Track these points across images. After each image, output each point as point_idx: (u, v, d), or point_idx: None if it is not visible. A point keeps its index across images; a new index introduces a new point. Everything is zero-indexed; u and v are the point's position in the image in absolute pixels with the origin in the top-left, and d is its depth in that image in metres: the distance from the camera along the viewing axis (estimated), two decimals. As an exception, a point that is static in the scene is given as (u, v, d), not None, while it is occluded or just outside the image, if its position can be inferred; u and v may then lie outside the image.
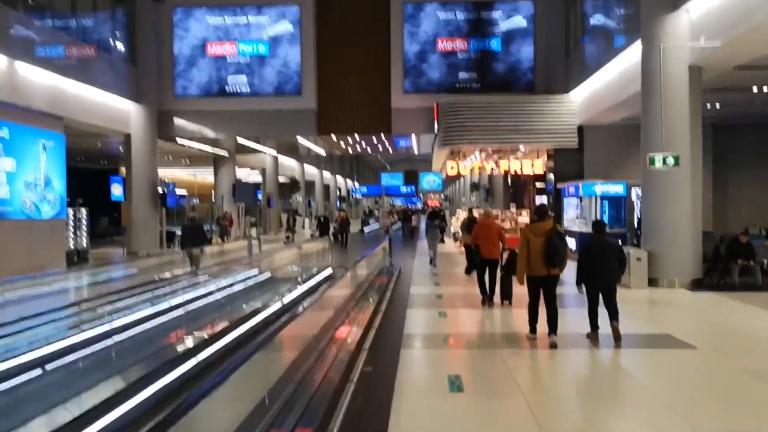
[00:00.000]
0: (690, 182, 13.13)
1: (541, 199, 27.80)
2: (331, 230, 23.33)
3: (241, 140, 30.97)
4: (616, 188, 19.25)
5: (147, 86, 23.69)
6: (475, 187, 48.39)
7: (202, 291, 11.85)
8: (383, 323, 9.00)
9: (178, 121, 24.51)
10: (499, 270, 10.91)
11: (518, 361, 7.41)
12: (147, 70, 23.75)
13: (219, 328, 8.64)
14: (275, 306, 9.92)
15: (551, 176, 23.20)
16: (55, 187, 18.17)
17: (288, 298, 11.06)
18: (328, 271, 14.96)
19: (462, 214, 27.08)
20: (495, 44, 24.25)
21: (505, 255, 10.73)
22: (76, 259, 19.45)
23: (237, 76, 24.46)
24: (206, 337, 7.81)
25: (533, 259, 7.86)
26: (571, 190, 20.83)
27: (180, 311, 10.12)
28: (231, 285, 12.94)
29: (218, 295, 11.82)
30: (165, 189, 23.89)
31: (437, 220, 22.68)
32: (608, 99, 18.42)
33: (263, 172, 39.75)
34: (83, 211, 20.25)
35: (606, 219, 19.54)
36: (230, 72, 24.48)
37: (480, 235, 10.95)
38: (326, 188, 62.92)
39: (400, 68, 24.51)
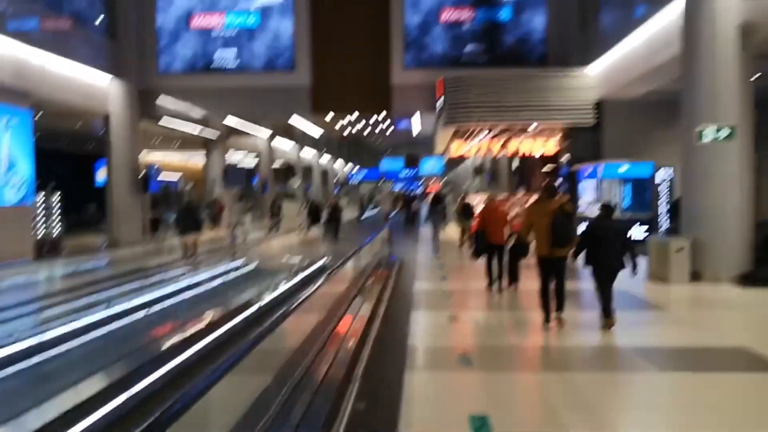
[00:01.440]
0: (740, 160, 11.35)
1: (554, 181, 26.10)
2: (323, 218, 21.42)
3: (232, 121, 29.08)
4: (641, 169, 17.50)
5: (127, 62, 21.82)
6: (478, 171, 46.58)
7: (167, 289, 10.19)
8: (382, 332, 7.26)
9: (162, 100, 22.67)
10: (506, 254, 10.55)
11: (558, 387, 5.68)
12: (127, 44, 21.87)
13: (161, 346, 6.92)
14: (248, 311, 8.23)
15: (565, 157, 21.39)
16: (21, 169, 16.39)
17: (268, 298, 9.38)
18: (320, 264, 13.28)
19: (471, 200, 25.35)
20: (504, 14, 22.35)
21: (512, 239, 10.35)
22: (47, 249, 17.71)
23: (224, 50, 22.59)
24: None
25: (539, 239, 7.67)
26: (589, 171, 19.05)
27: (121, 322, 8.40)
28: (201, 282, 11.24)
29: (185, 295, 10.12)
30: (148, 173, 22.13)
31: (440, 206, 21.14)
32: (631, 70, 16.63)
33: (258, 155, 37.96)
34: (55, 196, 18.47)
35: (628, 203, 17.87)
36: (217, 46, 22.61)
37: (486, 219, 10.79)
38: (324, 173, 61.09)
39: (401, 41, 22.64)
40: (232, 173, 31.15)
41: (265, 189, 36.56)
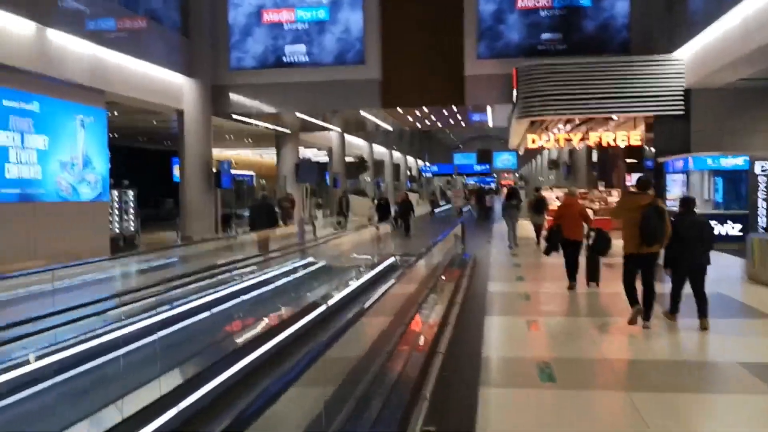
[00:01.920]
0: None
1: (635, 176, 24.72)
2: (393, 214, 20.84)
3: (304, 116, 29.02)
4: (734, 162, 16.20)
5: (200, 59, 21.97)
6: (554, 164, 45.10)
7: (229, 289, 9.92)
8: (453, 340, 6.68)
9: (234, 97, 22.73)
10: (584, 251, 10.17)
11: (654, 410, 4.96)
12: (200, 42, 22.01)
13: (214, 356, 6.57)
14: (315, 312, 7.81)
15: (650, 149, 20.12)
16: (96, 167, 16.66)
17: (333, 300, 8.94)
18: (389, 262, 12.77)
19: (546, 194, 24.36)
20: (584, -1, 21.22)
21: (591, 235, 9.86)
22: (123, 244, 18.00)
23: (295, 44, 22.41)
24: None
25: (629, 235, 7.35)
26: (678, 164, 17.81)
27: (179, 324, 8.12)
28: (267, 281, 10.94)
29: (249, 295, 9.82)
30: (220, 169, 22.24)
31: (515, 200, 20.23)
32: (725, 54, 15.31)
33: (329, 151, 37.91)
34: (130, 193, 18.74)
35: (720, 198, 16.61)
36: (287, 41, 22.45)
37: (563, 215, 10.54)
38: (396, 168, 60.70)
39: (474, 31, 21.84)
40: (303, 168, 31.10)
41: (336, 184, 36.46)
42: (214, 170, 22.21)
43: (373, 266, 12.74)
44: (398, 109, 27.41)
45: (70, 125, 15.67)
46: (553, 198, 21.84)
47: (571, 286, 10.28)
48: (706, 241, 7.48)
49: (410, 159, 68.75)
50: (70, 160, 15.60)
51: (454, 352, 6.15)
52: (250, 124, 26.10)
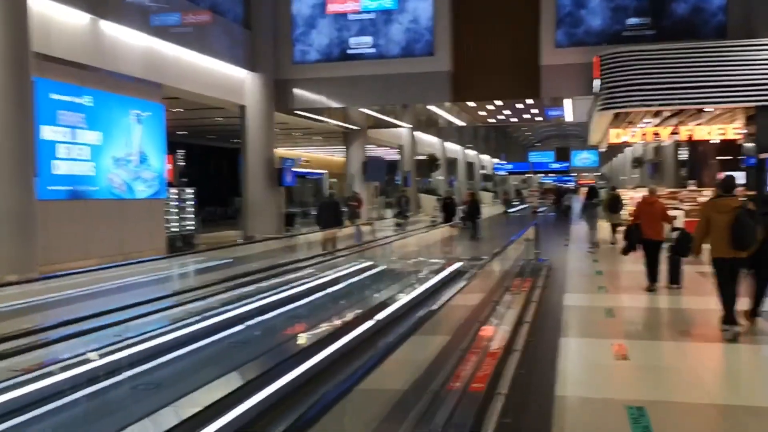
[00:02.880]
0: None
1: (740, 175, 22.47)
2: (460, 214, 19.40)
3: (371, 112, 28.06)
4: None
5: (263, 52, 21.28)
6: (638, 162, 42.48)
7: (275, 297, 8.98)
8: (519, 374, 5.42)
9: (297, 91, 21.95)
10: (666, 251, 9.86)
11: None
12: (263, 35, 21.32)
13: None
14: (360, 329, 6.74)
15: (749, 144, 18.00)
16: (153, 163, 16.15)
17: (388, 311, 7.84)
18: (453, 268, 11.58)
19: (629, 194, 22.51)
20: (675, -21, 19.26)
21: (674, 235, 9.68)
22: (181, 244, 17.48)
23: (360, 36, 21.42)
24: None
25: (717, 239, 6.92)
26: (785, 161, 15.75)
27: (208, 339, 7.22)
28: (321, 287, 9.94)
29: (292, 305, 8.84)
30: (283, 166, 21.55)
31: (595, 199, 18.83)
32: None
33: (400, 149, 36.86)
34: (189, 191, 18.23)
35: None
36: (353, 32, 21.47)
37: (642, 213, 10.21)
38: (470, 166, 59.07)
39: (552, 16, 20.21)
40: (372, 166, 30.20)
41: (407, 182, 35.38)
42: (277, 167, 21.51)
43: (437, 272, 11.58)
44: (470, 103, 25.97)
45: (124, 120, 15.18)
46: (638, 198, 20.09)
47: (650, 288, 9.87)
48: None
49: (485, 157, 66.92)
50: (124, 157, 15.11)
51: (520, 390, 4.89)
52: (315, 120, 25.31)
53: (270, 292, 8.72)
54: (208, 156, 32.54)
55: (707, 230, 7.03)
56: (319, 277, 10.20)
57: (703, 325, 7.63)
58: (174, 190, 17.60)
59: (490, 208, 43.02)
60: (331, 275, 10.57)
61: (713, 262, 7.08)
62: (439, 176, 48.56)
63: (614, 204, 17.81)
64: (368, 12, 21.32)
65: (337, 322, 7.67)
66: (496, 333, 6.57)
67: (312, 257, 11.42)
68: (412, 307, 8.77)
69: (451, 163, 53.25)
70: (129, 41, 15.31)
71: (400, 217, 22.89)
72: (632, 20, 19.56)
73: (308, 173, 44.55)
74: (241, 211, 21.54)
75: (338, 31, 21.56)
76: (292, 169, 32.98)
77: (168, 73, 16.84)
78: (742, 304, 7.22)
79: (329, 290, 9.93)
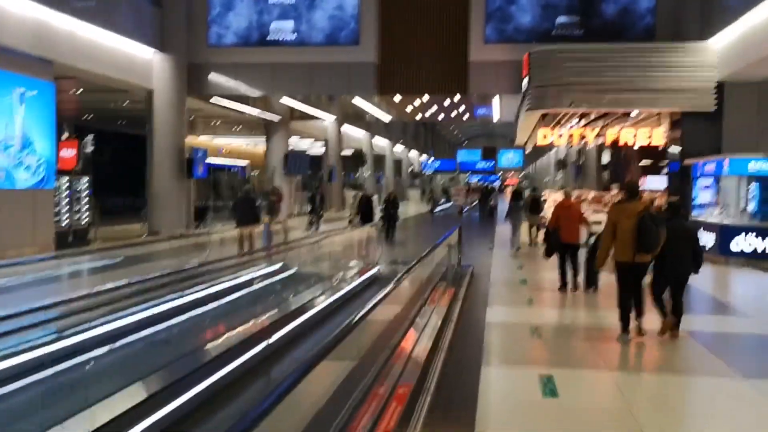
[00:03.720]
0: None
1: (659, 180, 22.45)
2: (379, 214, 18.21)
3: (292, 103, 26.71)
4: (780, 166, 13.94)
5: (174, 32, 19.65)
6: (561, 164, 42.78)
7: (170, 304, 7.72)
8: (432, 417, 4.42)
9: (213, 77, 20.43)
10: (584, 254, 10.11)
11: None
12: (174, 13, 19.69)
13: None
14: (249, 353, 5.61)
15: (674, 149, 17.80)
16: (38, 149, 14.38)
17: (284, 331, 6.72)
18: (368, 276, 10.57)
19: (553, 196, 22.17)
20: (605, -21, 18.86)
21: (591, 239, 10.05)
22: (72, 239, 15.76)
23: (281, 21, 20.10)
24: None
25: (621, 243, 7.03)
26: (709, 167, 15.51)
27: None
28: (218, 295, 8.69)
29: (189, 315, 7.56)
30: (193, 157, 20.00)
31: (521, 202, 18.59)
32: (765, 44, 13.08)
33: (326, 142, 35.61)
34: (84, 180, 16.48)
35: (754, 206, 14.36)
36: (273, 16, 20.13)
37: (560, 217, 10.38)
38: (397, 162, 58.36)
39: (482, 11, 19.50)
40: (293, 159, 28.88)
41: (331, 178, 34.21)
42: (187, 158, 19.96)
43: (348, 281, 10.50)
44: (396, 97, 25.06)
45: (5, 99, 13.39)
46: (554, 199, 19.82)
47: (561, 288, 10.19)
48: (690, 249, 7.22)
49: (413, 154, 66.40)
50: (3, 141, 13.33)
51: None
52: (233, 109, 23.79)
53: (140, 308, 7.37)
54: (117, 143, 30.34)
55: (613, 235, 7.06)
56: (213, 285, 8.94)
57: (647, 356, 6.91)
58: (65, 179, 15.80)
59: (417, 206, 42.39)
60: (226, 283, 9.33)
61: (616, 266, 7.16)
62: (366, 172, 47.63)
63: (534, 205, 18.03)
64: (290, -5, 20.01)
65: (217, 344, 6.43)
66: (407, 364, 5.57)
67: (208, 264, 10.10)
68: (315, 324, 7.70)
69: (379, 159, 52.40)
70: (14, 10, 13.52)
71: (313, 216, 21.31)
72: (562, 18, 19.08)
73: (230, 165, 42.71)
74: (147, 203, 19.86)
75: (258, 14, 20.17)
76: (210, 160, 31.36)
77: (61, 49, 15.09)
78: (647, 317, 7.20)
79: (218, 303, 8.67)
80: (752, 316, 8.57)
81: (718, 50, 16.01)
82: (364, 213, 17.04)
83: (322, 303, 8.52)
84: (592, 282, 10.07)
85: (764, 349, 7.23)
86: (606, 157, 31.71)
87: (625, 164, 29.34)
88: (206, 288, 8.77)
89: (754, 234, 13.84)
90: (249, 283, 9.72)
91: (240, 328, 6.81)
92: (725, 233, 14.04)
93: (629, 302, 7.12)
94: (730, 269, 13.48)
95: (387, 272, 12.41)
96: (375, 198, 26.77)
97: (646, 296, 7.28)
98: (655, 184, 24.00)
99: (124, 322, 7.02)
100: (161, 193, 19.46)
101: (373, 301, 5.49)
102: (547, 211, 18.28)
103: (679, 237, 7.09)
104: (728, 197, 14.86)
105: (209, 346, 6.35)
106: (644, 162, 26.75)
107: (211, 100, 21.99)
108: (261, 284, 9.89)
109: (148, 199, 19.66)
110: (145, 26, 18.74)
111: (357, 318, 5.25)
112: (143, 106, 20.00)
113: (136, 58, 18.47)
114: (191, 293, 8.52)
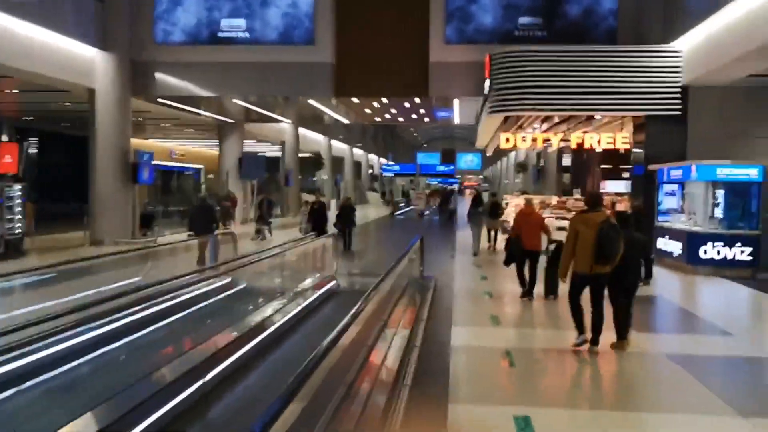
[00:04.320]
0: None
1: (624, 185, 22.18)
2: (333, 221, 17.08)
3: (245, 104, 25.63)
4: (746, 172, 13.59)
5: (117, 29, 18.50)
6: (521, 167, 42.57)
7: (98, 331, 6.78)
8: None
9: (160, 76, 19.34)
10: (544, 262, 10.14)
11: None
12: (118, 8, 18.53)
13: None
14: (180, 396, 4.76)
15: (639, 153, 17.43)
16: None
17: (222, 366, 5.89)
18: (324, 290, 9.76)
19: (514, 201, 21.70)
20: (567, -20, 18.42)
21: (552, 247, 9.91)
22: (4, 251, 14.56)
23: (233, 18, 19.13)
24: None
25: (582, 253, 6.93)
26: (675, 173, 15.13)
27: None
28: (154, 319, 7.76)
29: (78, 361, 6.52)
30: (139, 160, 18.87)
31: (481, 207, 18.24)
32: (736, 46, 12.72)
33: (283, 145, 34.59)
34: (16, 187, 15.28)
35: (722, 213, 14.01)
36: (224, 13, 19.15)
37: (521, 224, 10.49)
38: (357, 165, 57.59)
39: (442, 11, 18.88)
40: (248, 163, 27.84)
41: (288, 182, 33.20)
42: (132, 161, 18.83)
43: (296, 300, 9.63)
44: (354, 99, 24.26)
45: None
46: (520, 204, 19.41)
47: (525, 295, 10.15)
48: (638, 259, 7.28)
49: (373, 157, 65.68)
50: None
51: None
52: (183, 109, 22.67)
53: (54, 339, 6.38)
54: (60, 145, 28.83)
55: (575, 245, 7.01)
56: (148, 306, 8.00)
57: (612, 380, 6.27)
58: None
59: (377, 210, 41.64)
60: (164, 303, 8.39)
61: (572, 276, 7.12)
62: (324, 175, 46.71)
63: (494, 210, 18.14)
64: (242, -8, 19.06)
65: (138, 388, 5.52)
66: (366, 405, 4.79)
67: (147, 281, 9.13)
68: (266, 348, 6.88)
69: (338, 162, 51.53)
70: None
71: (261, 224, 19.97)
72: (524, 19, 18.58)
73: (183, 168, 41.27)
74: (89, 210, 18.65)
75: (208, 10, 19.17)
76: (161, 163, 30.09)
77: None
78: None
79: (152, 328, 7.74)
80: (735, 335, 8.04)
81: (683, 54, 15.69)
82: (317, 222, 15.97)
83: (272, 326, 7.69)
84: (551, 290, 10.04)
85: (756, 377, 6.66)
86: (567, 161, 31.52)
87: (586, 168, 29.13)
88: (139, 311, 7.82)
89: (722, 242, 13.49)
90: (191, 302, 8.80)
91: (172, 364, 5.92)
92: (693, 241, 13.66)
93: (580, 305, 7.12)
94: (700, 278, 13.08)
95: (346, 285, 11.66)
96: (332, 202, 25.52)
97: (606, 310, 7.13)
98: (615, 188, 23.77)
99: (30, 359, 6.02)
100: (104, 199, 18.30)
101: (338, 329, 4.73)
102: (509, 215, 17.94)
103: (629, 247, 7.02)
104: (696, 204, 14.48)
105: (128, 390, 5.39)
106: (605, 165, 26.52)
107: (159, 101, 20.84)
108: (204, 303, 8.97)
109: (91, 205, 18.47)
110: (87, 23, 17.58)
111: (321, 353, 4.47)
112: (83, 107, 18.80)
113: (77, 56, 17.30)
114: (120, 318, 7.55)
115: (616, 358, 6.92)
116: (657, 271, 14.35)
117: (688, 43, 15.36)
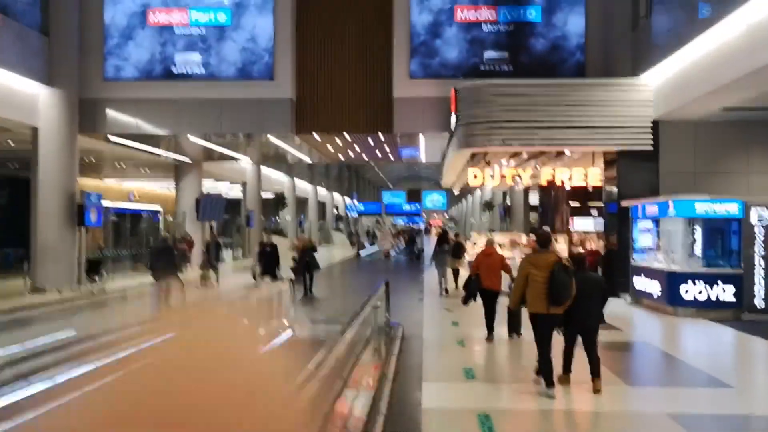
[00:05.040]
0: None
1: (593, 222, 21.64)
2: (292, 264, 15.84)
3: (210, 144, 24.61)
4: (726, 208, 13.06)
5: (64, 64, 17.48)
6: (488, 206, 42.12)
7: None
8: None
9: (111, 113, 18.33)
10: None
11: None
12: (65, 43, 17.56)
13: None
14: None
15: (611, 190, 16.90)
16: None
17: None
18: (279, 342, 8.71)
19: (480, 240, 21.02)
20: (533, 14, 18.09)
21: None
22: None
23: (188, 53, 18.29)
24: None
25: (534, 294, 6.95)
26: (651, 209, 14.56)
27: None
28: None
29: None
30: (86, 202, 17.68)
31: (446, 245, 18.13)
32: (709, 79, 12.34)
33: (244, 185, 33.58)
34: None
35: (700, 250, 13.43)
36: (179, 48, 18.31)
37: (481, 264, 10.54)
38: (321, 205, 56.65)
39: (406, 45, 18.34)
40: (207, 204, 26.69)
41: (249, 223, 32.09)
42: (78, 203, 17.62)
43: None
44: (316, 136, 23.47)
45: None
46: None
47: (489, 339, 10.04)
48: (598, 300, 7.19)
49: (337, 197, 64.87)
50: None
51: None
52: (135, 149, 21.58)
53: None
54: (4, 187, 27.33)
55: (525, 285, 7.01)
56: (77, 366, 6.90)
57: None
58: None
59: (342, 251, 40.61)
60: (95, 363, 7.31)
61: (530, 317, 7.11)
62: (287, 216, 45.65)
63: (456, 250, 18.04)
64: (198, 27, 18.27)
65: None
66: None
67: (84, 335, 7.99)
68: None
69: (302, 202, 50.57)
70: None
71: (206, 270, 18.55)
72: (490, 54, 18.13)
73: (139, 210, 39.84)
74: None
75: (162, 45, 18.31)
76: (117, 205, 28.75)
77: None
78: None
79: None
80: (734, 387, 7.25)
81: (653, 88, 15.32)
82: (267, 265, 14.62)
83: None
84: (513, 328, 9.91)
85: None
86: (534, 198, 31.04)
87: (554, 205, 28.66)
88: (64, 373, 6.72)
89: (703, 281, 12.85)
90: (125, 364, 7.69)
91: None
92: (672, 280, 12.99)
93: (550, 358, 6.89)
94: (682, 320, 12.38)
95: (305, 335, 10.65)
96: (285, 242, 24.13)
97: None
98: (584, 225, 23.21)
99: None
100: (47, 243, 17.02)
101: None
102: (471, 254, 17.32)
103: (585, 289, 6.97)
104: (673, 241, 13.88)
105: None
106: (573, 203, 26.04)
107: (111, 139, 19.75)
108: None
109: (32, 250, 17.17)
110: (31, 57, 16.55)
111: None
112: (26, 146, 17.64)
113: (17, 92, 16.21)
114: (41, 381, 6.46)
115: (615, 423, 6.05)
116: (636, 313, 13.73)
117: (659, 78, 15.01)
